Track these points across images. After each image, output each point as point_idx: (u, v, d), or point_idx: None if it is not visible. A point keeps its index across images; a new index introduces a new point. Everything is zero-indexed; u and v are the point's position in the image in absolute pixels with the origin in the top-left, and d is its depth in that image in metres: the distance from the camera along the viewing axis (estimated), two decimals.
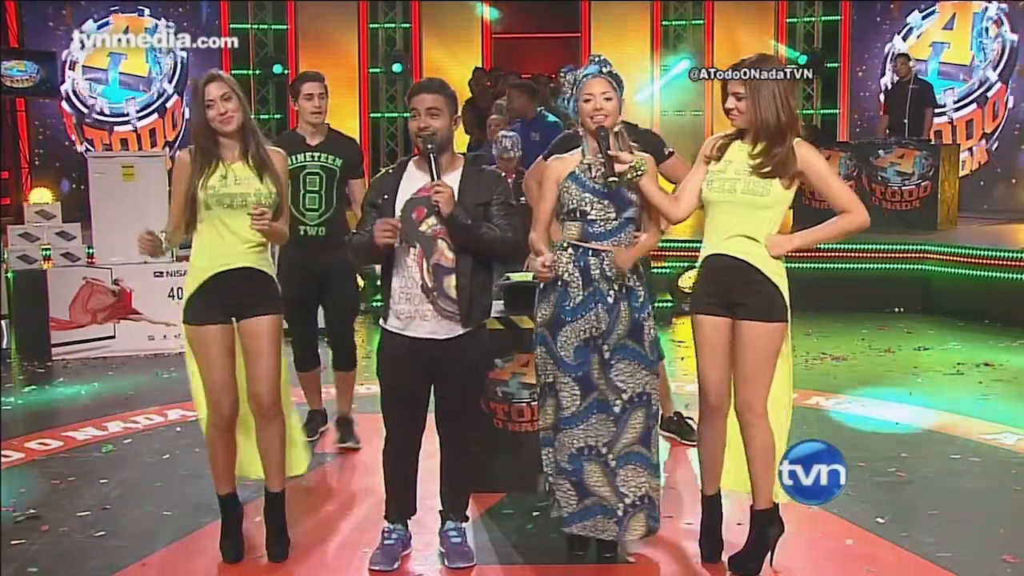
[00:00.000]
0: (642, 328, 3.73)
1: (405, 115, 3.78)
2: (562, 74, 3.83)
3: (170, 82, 13.62)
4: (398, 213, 3.71)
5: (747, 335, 3.65)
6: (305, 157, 5.09)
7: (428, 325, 3.72)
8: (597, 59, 3.81)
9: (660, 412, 3.83)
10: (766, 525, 3.76)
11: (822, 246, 8.90)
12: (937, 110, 11.44)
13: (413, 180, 3.77)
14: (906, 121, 10.60)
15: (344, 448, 5.20)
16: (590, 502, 3.74)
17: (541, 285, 3.81)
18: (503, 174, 3.99)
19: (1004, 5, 12.30)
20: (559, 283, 3.73)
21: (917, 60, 11.94)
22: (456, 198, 3.63)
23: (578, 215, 3.71)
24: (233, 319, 3.86)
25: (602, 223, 3.69)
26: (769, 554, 3.77)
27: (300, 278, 4.98)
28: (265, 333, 3.84)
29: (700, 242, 3.84)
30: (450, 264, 3.69)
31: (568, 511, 3.77)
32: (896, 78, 11.18)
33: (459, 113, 3.84)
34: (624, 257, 3.66)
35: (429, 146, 3.67)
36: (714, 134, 3.88)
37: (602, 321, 3.68)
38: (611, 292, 3.69)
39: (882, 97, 13.26)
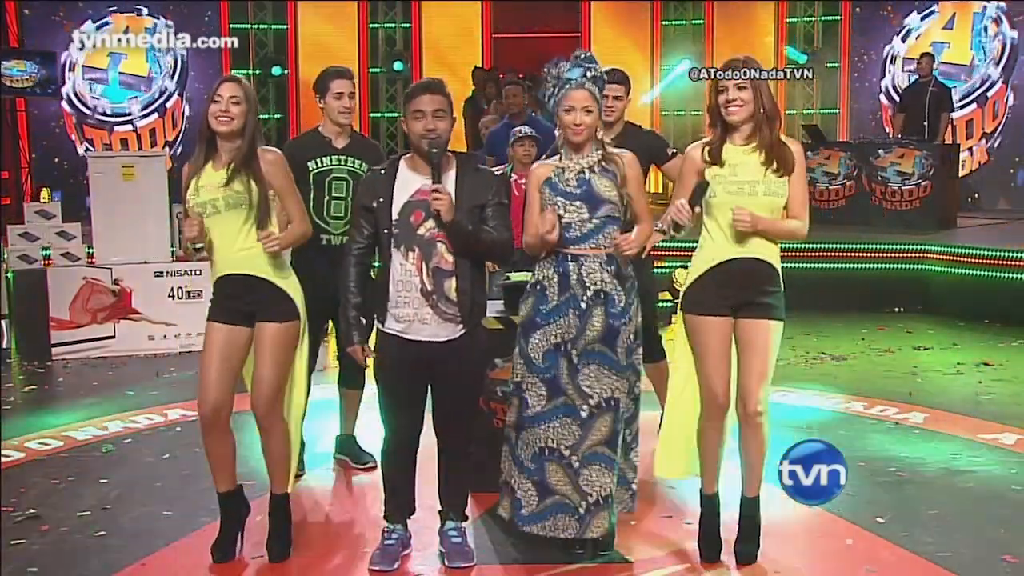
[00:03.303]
0: (617, 334, 3.70)
1: (440, 113, 3.70)
2: (545, 69, 3.77)
3: (171, 80, 13.63)
4: (395, 216, 3.69)
5: (763, 333, 3.68)
6: (332, 160, 4.74)
7: (428, 328, 3.71)
8: (581, 58, 3.74)
9: (630, 415, 3.80)
10: (755, 511, 3.83)
11: (820, 245, 8.98)
12: (953, 115, 11.43)
13: (408, 182, 3.74)
14: (926, 124, 10.58)
15: (366, 468, 4.94)
16: (551, 501, 3.75)
17: (528, 286, 3.82)
18: (498, 173, 3.97)
19: (1003, 4, 12.32)
20: (539, 287, 3.75)
21: (911, 59, 11.97)
22: (454, 201, 3.63)
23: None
24: (246, 323, 3.84)
25: (577, 225, 3.69)
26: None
27: (315, 291, 4.56)
28: (267, 341, 3.81)
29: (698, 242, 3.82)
30: (450, 267, 3.68)
31: (527, 511, 3.78)
32: (917, 77, 11.11)
33: (453, 113, 3.78)
34: (626, 243, 3.63)
35: (435, 150, 3.64)
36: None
37: (572, 327, 3.69)
38: (585, 298, 3.68)
39: (882, 97, 13.30)
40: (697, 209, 3.66)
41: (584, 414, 3.69)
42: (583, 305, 3.68)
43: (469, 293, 3.70)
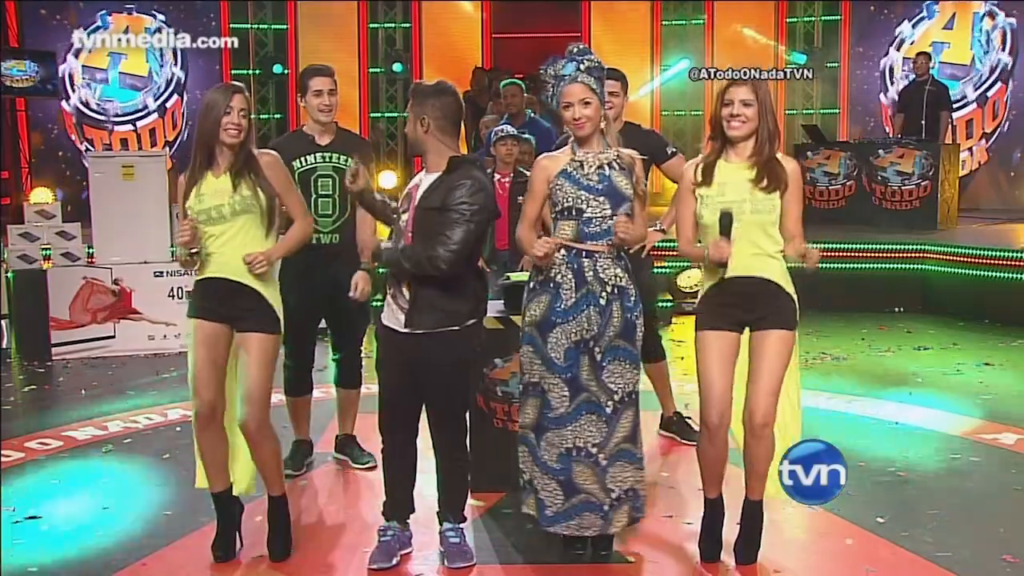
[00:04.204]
0: (634, 327, 3.72)
1: (405, 115, 3.88)
2: (542, 70, 3.80)
3: (170, 82, 13.63)
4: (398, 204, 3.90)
5: (768, 343, 3.66)
6: (315, 158, 4.73)
7: (390, 313, 3.81)
8: (575, 52, 3.72)
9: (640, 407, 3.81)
10: (757, 514, 3.83)
11: (820, 245, 8.96)
12: (953, 114, 11.41)
13: (416, 178, 3.89)
14: (923, 122, 10.58)
15: (365, 469, 4.93)
16: (577, 500, 3.74)
17: (531, 284, 3.80)
18: (481, 175, 3.85)
19: (1012, 20, 12.32)
20: (551, 284, 3.71)
21: (911, 59, 11.96)
22: (422, 199, 3.74)
23: (573, 213, 3.68)
24: (226, 324, 3.84)
25: (598, 221, 3.67)
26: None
27: (308, 290, 4.65)
28: (254, 352, 3.80)
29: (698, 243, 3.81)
30: None
31: (552, 511, 3.76)
32: (914, 76, 11.11)
33: (427, 113, 3.74)
34: (623, 227, 3.60)
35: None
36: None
37: (594, 323, 3.66)
38: (603, 294, 3.67)
39: (883, 97, 13.30)
40: (733, 237, 3.58)
41: (609, 410, 3.68)
42: (602, 301, 3.67)
43: (418, 293, 3.71)
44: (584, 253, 3.68)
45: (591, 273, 3.67)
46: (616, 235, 3.64)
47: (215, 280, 3.82)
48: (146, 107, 13.57)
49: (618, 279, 3.69)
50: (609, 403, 3.68)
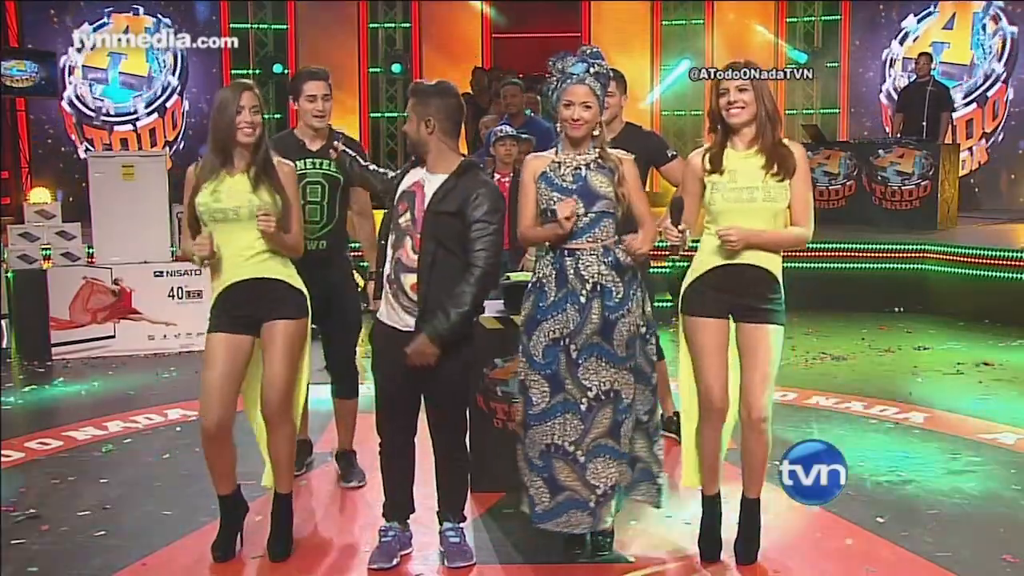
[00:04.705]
0: (614, 326, 3.69)
1: (405, 115, 3.85)
2: (551, 63, 3.79)
3: (171, 80, 13.63)
4: (394, 203, 3.85)
5: (764, 338, 3.67)
6: (305, 164, 4.56)
7: (393, 314, 3.79)
8: (587, 54, 3.74)
9: (633, 408, 3.78)
10: (756, 511, 3.83)
11: (820, 245, 8.97)
12: (954, 114, 11.41)
13: (413, 174, 3.86)
14: (924, 124, 10.58)
15: (350, 487, 4.78)
16: (562, 497, 3.74)
17: (528, 285, 3.82)
18: (490, 180, 3.86)
19: (999, 2, 12.32)
20: (539, 284, 3.75)
21: (911, 59, 11.96)
22: (430, 201, 3.70)
23: (548, 215, 3.71)
24: (251, 331, 3.84)
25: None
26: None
27: None
28: (278, 337, 3.82)
29: (699, 242, 3.81)
30: (410, 263, 3.72)
31: (541, 508, 3.77)
32: (915, 77, 11.09)
33: (431, 114, 3.73)
34: (637, 244, 3.62)
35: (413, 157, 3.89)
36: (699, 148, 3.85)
37: (571, 321, 3.68)
38: (583, 292, 3.68)
39: (882, 97, 13.30)
40: (683, 227, 3.60)
41: (583, 407, 3.69)
42: (582, 299, 3.68)
43: (426, 295, 3.68)
44: (566, 252, 3.70)
45: (572, 271, 3.69)
46: (634, 255, 3.65)
47: (237, 285, 3.81)
48: (145, 107, 13.56)
49: (601, 277, 3.69)
50: (584, 400, 3.69)
